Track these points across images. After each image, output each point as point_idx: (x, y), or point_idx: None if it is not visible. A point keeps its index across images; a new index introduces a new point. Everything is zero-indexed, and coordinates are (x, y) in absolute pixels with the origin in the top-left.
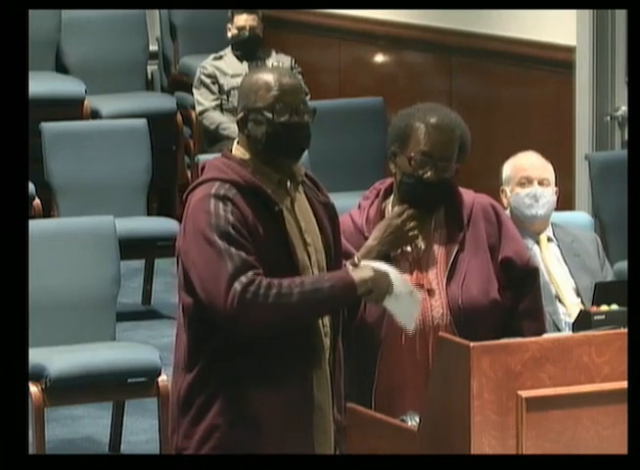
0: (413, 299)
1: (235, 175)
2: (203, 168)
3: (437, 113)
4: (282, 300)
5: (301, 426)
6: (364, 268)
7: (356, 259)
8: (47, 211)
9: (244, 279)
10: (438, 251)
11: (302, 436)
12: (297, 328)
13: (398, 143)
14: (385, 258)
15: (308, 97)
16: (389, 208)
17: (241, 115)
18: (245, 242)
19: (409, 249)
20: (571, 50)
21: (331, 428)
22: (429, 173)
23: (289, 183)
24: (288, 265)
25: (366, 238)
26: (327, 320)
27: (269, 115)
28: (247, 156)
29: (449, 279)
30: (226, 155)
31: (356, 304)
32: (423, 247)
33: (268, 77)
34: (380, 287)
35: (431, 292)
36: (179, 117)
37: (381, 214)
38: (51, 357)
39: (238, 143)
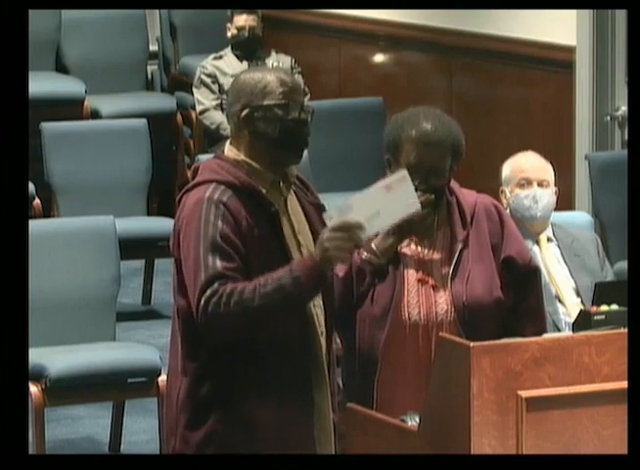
0: (393, 192)
1: (230, 176)
2: (196, 170)
3: (428, 123)
4: (243, 306)
5: (302, 427)
6: (321, 237)
7: (373, 246)
8: (47, 211)
9: (208, 292)
10: (442, 249)
11: (303, 437)
12: (279, 325)
13: (390, 153)
14: (392, 253)
15: (308, 97)
16: None
17: (246, 112)
18: (230, 249)
19: (413, 246)
20: (570, 50)
21: (330, 427)
22: (420, 186)
23: (281, 184)
24: (284, 266)
25: None
26: (322, 320)
27: (280, 112)
28: (240, 157)
29: (453, 276)
30: (219, 156)
31: (364, 295)
32: (427, 245)
33: (272, 75)
34: (344, 238)
35: (435, 288)
36: (179, 117)
37: None
38: (51, 357)
39: (230, 144)
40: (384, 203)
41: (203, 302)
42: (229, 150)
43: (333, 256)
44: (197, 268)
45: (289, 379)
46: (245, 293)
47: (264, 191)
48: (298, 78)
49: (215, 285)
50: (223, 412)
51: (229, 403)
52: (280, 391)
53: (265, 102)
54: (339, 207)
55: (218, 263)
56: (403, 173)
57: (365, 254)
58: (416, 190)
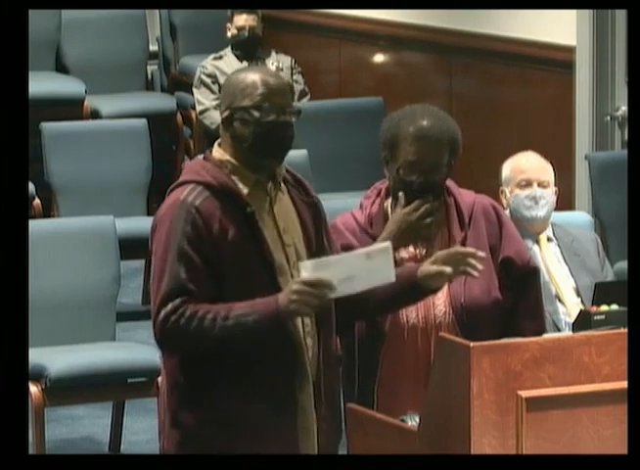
0: (373, 262)
1: (210, 177)
2: (183, 170)
3: (425, 118)
4: (201, 335)
5: (283, 426)
6: (289, 287)
7: None
8: (47, 211)
9: (169, 306)
10: (440, 250)
11: (286, 437)
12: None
13: (387, 151)
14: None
15: (308, 97)
16: (390, 207)
17: (226, 113)
18: (197, 257)
19: (411, 248)
20: (571, 50)
21: (314, 427)
22: (418, 181)
23: (269, 184)
24: (262, 267)
25: (369, 235)
26: (308, 320)
27: (256, 114)
28: (225, 157)
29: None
30: (206, 156)
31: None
32: (424, 247)
33: (255, 77)
34: (312, 295)
35: None
36: (179, 117)
37: (383, 213)
38: (51, 357)
39: (219, 144)
40: (361, 269)
41: (162, 316)
42: (216, 150)
43: (296, 309)
44: (161, 274)
45: (268, 378)
46: (205, 321)
47: (245, 191)
48: (285, 80)
49: (177, 301)
50: (201, 411)
51: (207, 402)
52: (259, 390)
53: (243, 103)
54: (316, 261)
55: (182, 273)
56: (387, 245)
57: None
58: (414, 187)
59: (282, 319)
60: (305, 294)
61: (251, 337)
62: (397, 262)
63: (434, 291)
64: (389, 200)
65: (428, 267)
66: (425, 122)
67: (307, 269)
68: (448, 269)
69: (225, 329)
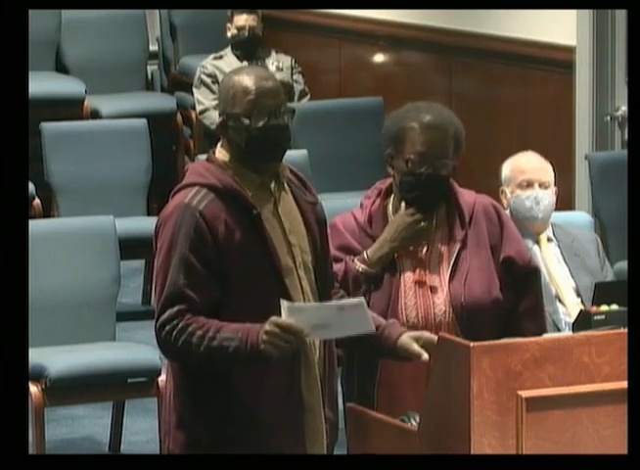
0: (347, 314)
1: (214, 180)
2: (186, 172)
3: (430, 112)
4: (189, 350)
5: (292, 428)
6: (264, 326)
7: (365, 256)
8: (47, 211)
9: (166, 314)
10: (441, 249)
11: (294, 438)
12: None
13: (393, 146)
14: (392, 256)
15: (308, 97)
16: (391, 207)
17: (220, 119)
18: (198, 264)
19: (411, 247)
20: (571, 50)
21: (323, 428)
22: (427, 172)
23: (272, 184)
24: (269, 269)
25: (369, 235)
26: None
27: (246, 121)
28: (228, 158)
29: (452, 277)
30: (209, 158)
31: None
32: (425, 245)
33: (245, 81)
34: (282, 339)
35: (433, 289)
36: (179, 117)
37: (383, 213)
38: (51, 357)
39: (221, 146)
40: (335, 319)
41: (159, 323)
42: (219, 152)
43: (267, 349)
44: (163, 279)
45: (276, 379)
46: (193, 338)
47: (249, 194)
48: (277, 81)
49: (174, 309)
50: (208, 413)
51: (214, 403)
52: (267, 391)
53: (234, 110)
54: (291, 305)
55: (182, 279)
56: (360, 301)
57: (358, 264)
58: (422, 178)
59: (257, 354)
60: (276, 337)
61: (231, 362)
62: (395, 260)
63: (409, 360)
64: (390, 200)
65: (409, 343)
66: (431, 115)
67: (284, 310)
68: (425, 356)
69: (210, 349)
